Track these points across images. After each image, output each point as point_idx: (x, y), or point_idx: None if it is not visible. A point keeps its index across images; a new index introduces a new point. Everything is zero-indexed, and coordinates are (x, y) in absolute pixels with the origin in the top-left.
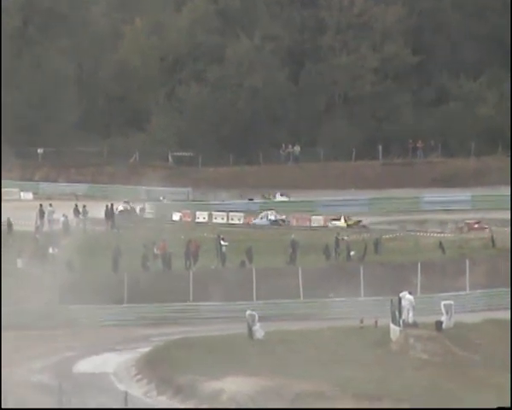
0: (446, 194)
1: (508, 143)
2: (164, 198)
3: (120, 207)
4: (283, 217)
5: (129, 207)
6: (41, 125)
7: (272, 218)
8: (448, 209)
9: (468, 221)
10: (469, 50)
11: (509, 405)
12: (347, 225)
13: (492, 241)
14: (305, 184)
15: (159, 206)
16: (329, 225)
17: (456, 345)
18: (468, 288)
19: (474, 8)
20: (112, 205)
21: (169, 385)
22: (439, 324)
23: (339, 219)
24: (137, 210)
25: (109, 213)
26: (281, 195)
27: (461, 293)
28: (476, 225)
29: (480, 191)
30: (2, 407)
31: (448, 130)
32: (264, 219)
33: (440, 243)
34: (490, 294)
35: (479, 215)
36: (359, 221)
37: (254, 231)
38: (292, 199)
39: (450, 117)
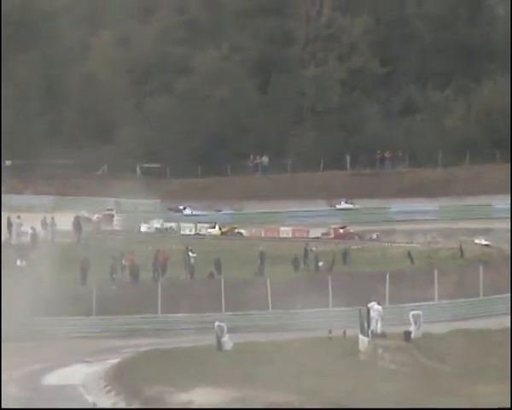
0: (414, 204)
1: (475, 152)
2: (136, 208)
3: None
4: (171, 225)
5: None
6: (8, 138)
7: (158, 226)
8: (416, 220)
9: (334, 226)
10: (437, 61)
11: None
12: (221, 233)
13: (461, 251)
14: (274, 195)
15: (127, 217)
16: (206, 233)
17: (424, 355)
18: (436, 298)
19: (441, 19)
20: (78, 217)
21: (137, 397)
22: (407, 334)
23: (214, 228)
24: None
25: (77, 224)
26: (345, 202)
27: (429, 303)
28: (342, 230)
29: (447, 201)
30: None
31: (415, 140)
32: (152, 227)
33: (409, 253)
34: (458, 304)
35: (446, 225)
36: (235, 227)
37: (223, 243)
38: (260, 210)
39: (418, 128)
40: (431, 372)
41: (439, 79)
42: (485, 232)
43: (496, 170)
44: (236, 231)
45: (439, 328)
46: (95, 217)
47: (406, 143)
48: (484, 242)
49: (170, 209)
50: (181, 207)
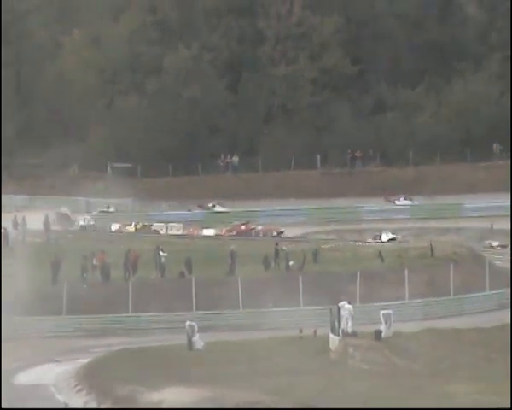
0: (385, 203)
1: (446, 151)
2: (109, 207)
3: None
4: (92, 222)
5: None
6: None
7: (82, 223)
8: (387, 219)
9: (236, 223)
10: (407, 60)
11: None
12: (135, 229)
13: (431, 250)
14: (244, 194)
15: (98, 217)
16: (124, 230)
17: (395, 354)
18: (407, 297)
19: (412, 18)
20: (48, 216)
21: (109, 396)
22: (378, 333)
23: (130, 225)
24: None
25: (47, 224)
26: (404, 198)
27: (400, 302)
28: (243, 227)
29: (418, 200)
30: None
31: (386, 139)
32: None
33: (379, 253)
34: (428, 303)
35: (418, 224)
36: (150, 225)
37: (194, 242)
38: (231, 209)
39: (389, 126)
40: (401, 371)
41: (409, 78)
42: (455, 231)
43: (466, 169)
44: (153, 228)
45: (410, 327)
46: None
47: (377, 141)
48: (391, 236)
49: (199, 206)
50: (210, 205)
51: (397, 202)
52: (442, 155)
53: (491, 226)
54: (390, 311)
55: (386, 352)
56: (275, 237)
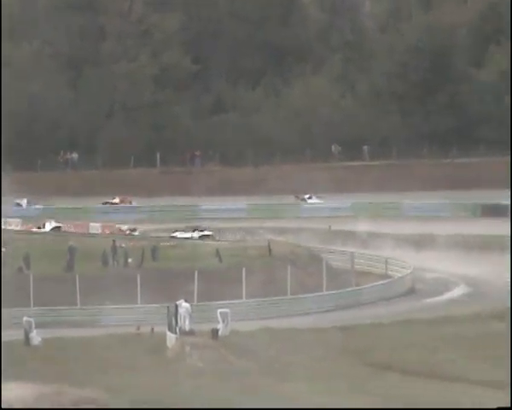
0: (223, 202)
1: (285, 152)
2: None
3: None
4: None
5: None
6: None
7: None
8: (225, 218)
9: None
10: (248, 60)
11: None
12: None
13: (269, 250)
14: (84, 191)
15: None
16: None
17: (231, 353)
18: (244, 296)
19: (253, 17)
20: None
21: None
22: (215, 332)
23: None
24: None
25: None
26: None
27: (237, 301)
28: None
29: (256, 200)
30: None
31: (226, 139)
32: None
33: (217, 251)
34: (265, 302)
35: (255, 224)
36: None
37: (32, 238)
38: (70, 206)
39: (228, 126)
40: (238, 370)
41: (250, 78)
42: (294, 231)
43: (305, 169)
44: None
45: (247, 326)
46: None
47: (217, 141)
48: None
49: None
50: (306, 196)
51: (309, 201)
52: (281, 155)
53: (330, 227)
54: (227, 310)
55: (222, 350)
56: (127, 234)
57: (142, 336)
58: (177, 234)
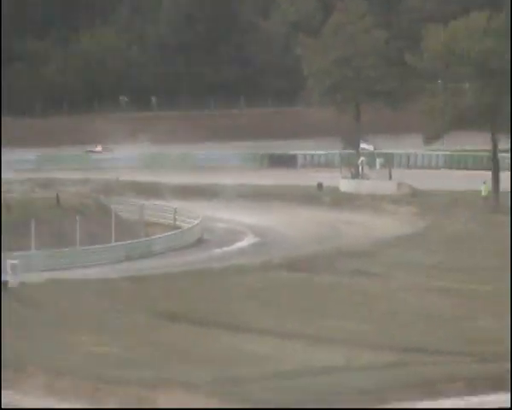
0: (12, 154)
1: (74, 102)
2: None
3: None
4: None
5: None
6: None
7: None
8: (15, 169)
9: None
10: (36, 10)
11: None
12: None
13: (58, 201)
14: None
15: None
16: None
17: (21, 304)
18: (33, 248)
19: None
20: None
21: None
22: (4, 283)
23: None
24: None
25: None
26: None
27: (26, 253)
28: None
29: (45, 151)
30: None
31: (14, 90)
32: None
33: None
34: (55, 254)
35: (46, 175)
36: None
37: None
38: None
39: (16, 77)
40: (28, 321)
41: (37, 29)
42: (83, 182)
43: (94, 119)
44: None
45: (36, 278)
46: None
47: (4, 91)
48: None
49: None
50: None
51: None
52: (70, 105)
53: (117, 178)
54: (16, 261)
55: (12, 302)
56: None
57: None
58: None
